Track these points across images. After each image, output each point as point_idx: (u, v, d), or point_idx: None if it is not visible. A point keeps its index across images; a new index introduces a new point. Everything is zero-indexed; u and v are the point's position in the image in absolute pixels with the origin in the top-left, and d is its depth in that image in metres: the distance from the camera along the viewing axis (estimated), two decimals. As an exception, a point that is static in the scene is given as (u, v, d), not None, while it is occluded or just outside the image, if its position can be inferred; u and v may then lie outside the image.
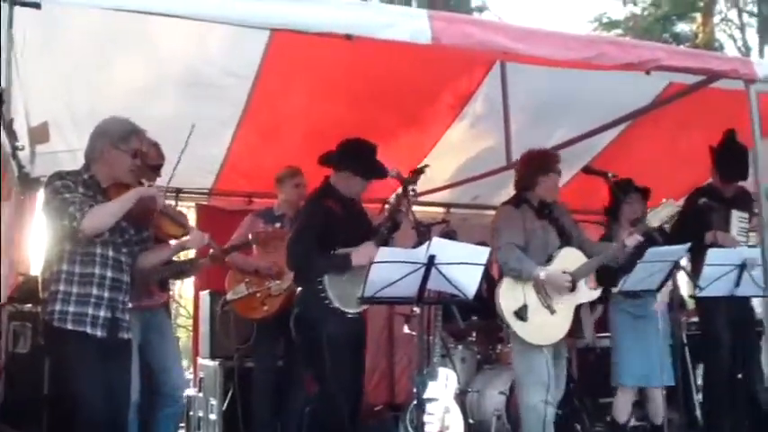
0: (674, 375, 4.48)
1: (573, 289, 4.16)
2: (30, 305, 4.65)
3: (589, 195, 5.28)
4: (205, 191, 6.28)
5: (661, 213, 4.17)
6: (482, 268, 3.34)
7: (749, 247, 4.66)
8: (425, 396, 4.52)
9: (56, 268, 3.16)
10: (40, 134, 4.32)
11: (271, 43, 4.33)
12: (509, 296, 4.14)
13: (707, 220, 4.85)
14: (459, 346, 5.65)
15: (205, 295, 5.82)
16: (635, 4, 20.55)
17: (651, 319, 4.60)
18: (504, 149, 5.31)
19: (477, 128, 5.83)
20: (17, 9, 2.91)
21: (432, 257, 3.17)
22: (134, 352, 3.73)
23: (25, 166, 5.14)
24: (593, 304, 4.56)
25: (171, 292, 4.84)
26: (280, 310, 4.77)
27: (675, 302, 4.39)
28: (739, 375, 4.86)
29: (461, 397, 5.24)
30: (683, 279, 4.94)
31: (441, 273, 3.22)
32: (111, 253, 3.23)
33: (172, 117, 4.52)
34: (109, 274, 3.22)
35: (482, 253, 3.33)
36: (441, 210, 6.98)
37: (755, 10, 19.93)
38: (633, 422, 5.04)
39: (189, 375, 6.35)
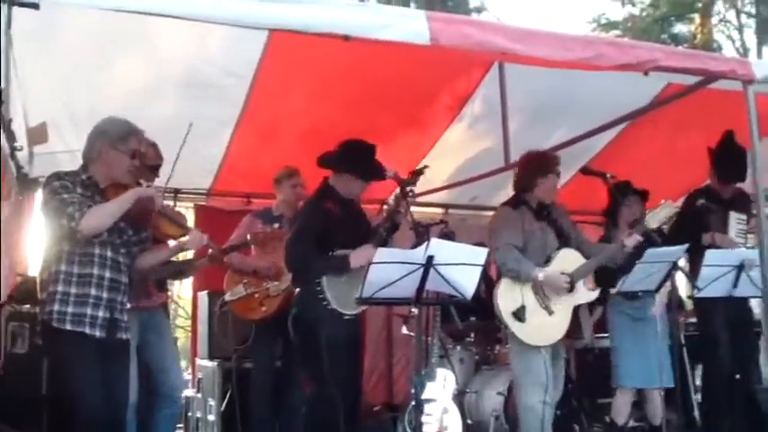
0: (672, 376, 4.48)
1: (571, 290, 4.16)
2: (28, 306, 4.64)
3: (587, 196, 5.27)
4: (203, 191, 6.28)
5: (659, 214, 4.18)
6: (480, 269, 3.33)
7: (747, 248, 4.67)
8: (424, 397, 4.50)
9: (54, 269, 3.15)
10: (38, 135, 4.32)
11: (269, 43, 4.33)
12: (507, 297, 4.15)
13: (705, 221, 4.86)
14: (458, 347, 5.65)
15: (203, 296, 5.81)
16: (633, 5, 20.61)
17: (650, 321, 4.62)
18: (503, 150, 5.31)
19: (475, 129, 5.84)
20: (16, 9, 2.90)
21: (430, 258, 3.16)
22: (132, 352, 3.73)
23: (24, 167, 5.12)
24: (592, 306, 4.55)
25: (169, 293, 4.82)
26: (278, 311, 4.76)
27: (674, 303, 4.40)
28: (737, 376, 4.85)
29: (460, 397, 5.23)
30: (681, 280, 4.94)
31: (439, 273, 3.21)
32: (109, 253, 3.23)
33: (171, 117, 4.51)
34: (107, 274, 3.21)
35: (480, 254, 3.33)
36: (439, 210, 6.98)
37: (753, 11, 19.99)
38: (632, 423, 5.03)
39: (187, 376, 6.34)
